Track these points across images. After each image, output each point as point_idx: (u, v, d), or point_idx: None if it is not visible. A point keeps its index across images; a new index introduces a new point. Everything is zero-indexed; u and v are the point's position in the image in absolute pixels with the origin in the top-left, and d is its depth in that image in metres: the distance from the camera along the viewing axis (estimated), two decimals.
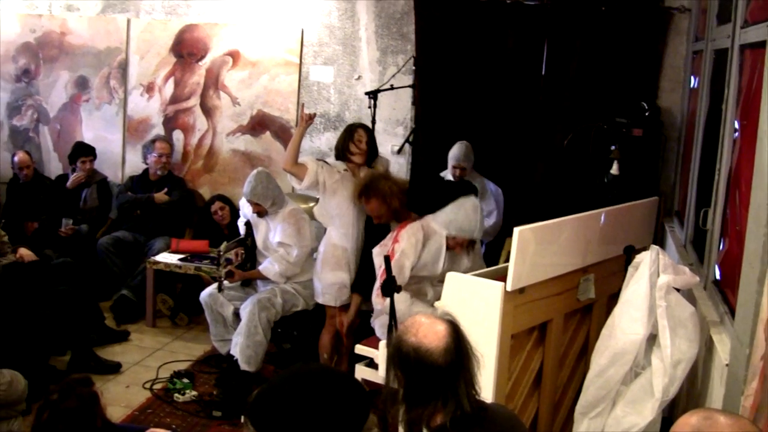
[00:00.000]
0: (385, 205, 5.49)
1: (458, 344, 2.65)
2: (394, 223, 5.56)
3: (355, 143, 5.80)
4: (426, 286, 5.33)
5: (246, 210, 6.30)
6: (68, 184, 7.87)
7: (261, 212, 6.10)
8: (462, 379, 2.62)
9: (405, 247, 5.10)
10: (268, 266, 6.09)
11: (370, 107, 6.62)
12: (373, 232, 5.74)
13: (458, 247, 5.20)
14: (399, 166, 6.27)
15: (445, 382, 2.59)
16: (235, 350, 5.92)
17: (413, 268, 5.15)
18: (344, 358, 6.03)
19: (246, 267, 6.24)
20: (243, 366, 5.87)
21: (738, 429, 2.07)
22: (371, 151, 5.85)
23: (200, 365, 6.42)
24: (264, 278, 6.13)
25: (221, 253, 6.08)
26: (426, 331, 2.64)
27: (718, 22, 5.12)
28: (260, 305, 5.91)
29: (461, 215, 5.14)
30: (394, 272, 4.95)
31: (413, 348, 2.61)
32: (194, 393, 5.82)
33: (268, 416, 2.36)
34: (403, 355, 2.63)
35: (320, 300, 5.95)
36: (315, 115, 6.04)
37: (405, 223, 5.29)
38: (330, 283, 5.86)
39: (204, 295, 6.26)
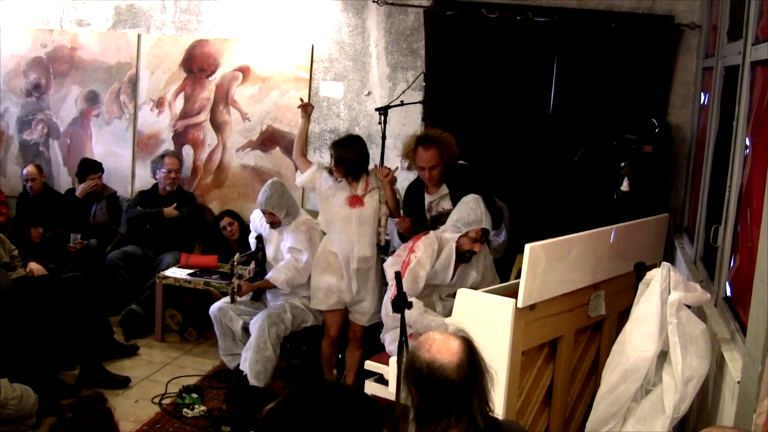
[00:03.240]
0: (444, 153, 5.66)
1: (472, 360, 2.64)
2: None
3: None
4: (435, 299, 5.34)
5: (258, 223, 6.33)
6: (78, 192, 7.90)
7: (274, 222, 6.13)
8: (475, 395, 2.62)
9: (421, 256, 5.12)
10: (275, 274, 6.08)
11: (379, 123, 6.63)
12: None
13: (476, 244, 5.20)
14: (408, 182, 6.27)
15: (459, 398, 2.59)
16: (245, 365, 5.93)
17: (426, 277, 5.18)
18: (351, 371, 6.11)
19: (257, 281, 6.25)
20: (252, 381, 5.88)
21: None
22: (349, 166, 5.86)
23: (209, 380, 6.41)
24: (272, 287, 6.12)
25: (235, 263, 6.12)
26: (440, 347, 2.64)
27: (728, 39, 5.12)
28: (270, 321, 5.91)
29: (465, 209, 5.24)
30: (409, 281, 4.98)
31: (427, 363, 2.61)
32: (203, 408, 5.81)
33: None
34: (417, 371, 2.63)
35: (312, 304, 6.09)
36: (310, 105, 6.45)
37: (420, 234, 5.33)
38: (318, 285, 6.02)
39: (213, 309, 6.27)
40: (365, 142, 6.06)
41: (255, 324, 5.96)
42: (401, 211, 5.98)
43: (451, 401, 2.59)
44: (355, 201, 5.88)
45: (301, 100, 6.54)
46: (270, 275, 6.11)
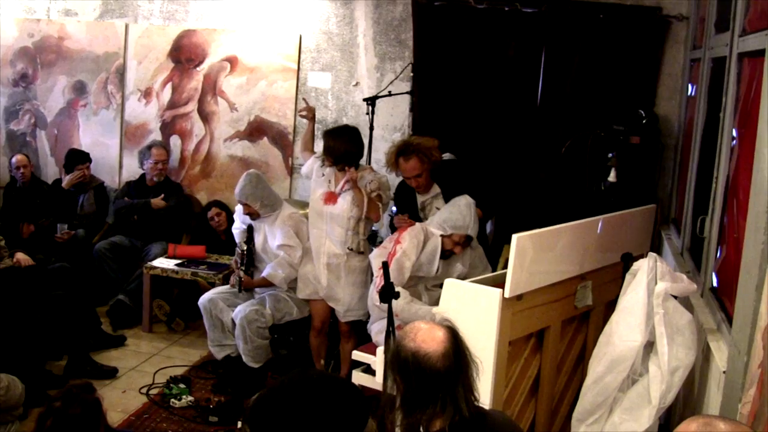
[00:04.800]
0: (424, 161, 5.60)
1: (457, 349, 2.65)
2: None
3: None
4: (420, 289, 5.35)
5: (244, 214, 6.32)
6: (64, 183, 7.87)
7: (252, 213, 6.10)
8: (461, 384, 2.62)
9: (407, 247, 5.14)
10: (272, 272, 6.05)
11: (367, 114, 6.63)
12: None
13: (457, 247, 5.23)
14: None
15: (444, 387, 2.60)
16: (240, 351, 6.00)
17: (411, 268, 5.19)
18: (344, 363, 6.08)
19: (247, 272, 6.24)
20: (250, 364, 5.97)
21: None
22: (336, 156, 5.76)
23: (197, 371, 6.41)
24: (270, 284, 6.12)
25: (244, 253, 6.17)
26: (425, 336, 2.65)
27: (716, 31, 5.13)
28: (247, 320, 5.91)
29: (455, 212, 5.24)
30: (395, 271, 4.99)
31: (412, 352, 2.62)
32: (191, 398, 5.80)
33: (268, 422, 2.36)
34: (402, 360, 2.64)
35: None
36: (312, 108, 6.38)
37: (406, 226, 5.32)
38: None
39: (203, 300, 6.24)
40: (360, 134, 5.92)
41: (236, 318, 5.99)
42: (393, 208, 5.98)
43: (436, 390, 2.60)
44: (329, 198, 5.81)
45: (304, 101, 6.53)
46: (268, 273, 6.08)
